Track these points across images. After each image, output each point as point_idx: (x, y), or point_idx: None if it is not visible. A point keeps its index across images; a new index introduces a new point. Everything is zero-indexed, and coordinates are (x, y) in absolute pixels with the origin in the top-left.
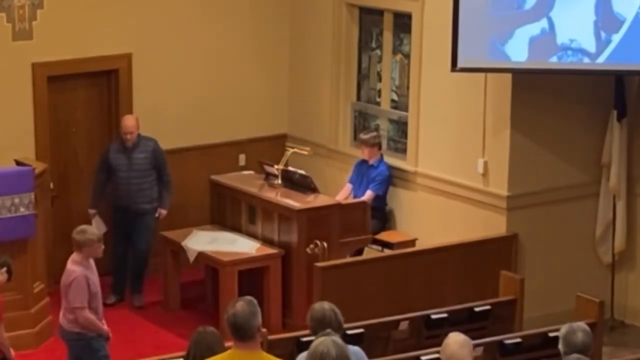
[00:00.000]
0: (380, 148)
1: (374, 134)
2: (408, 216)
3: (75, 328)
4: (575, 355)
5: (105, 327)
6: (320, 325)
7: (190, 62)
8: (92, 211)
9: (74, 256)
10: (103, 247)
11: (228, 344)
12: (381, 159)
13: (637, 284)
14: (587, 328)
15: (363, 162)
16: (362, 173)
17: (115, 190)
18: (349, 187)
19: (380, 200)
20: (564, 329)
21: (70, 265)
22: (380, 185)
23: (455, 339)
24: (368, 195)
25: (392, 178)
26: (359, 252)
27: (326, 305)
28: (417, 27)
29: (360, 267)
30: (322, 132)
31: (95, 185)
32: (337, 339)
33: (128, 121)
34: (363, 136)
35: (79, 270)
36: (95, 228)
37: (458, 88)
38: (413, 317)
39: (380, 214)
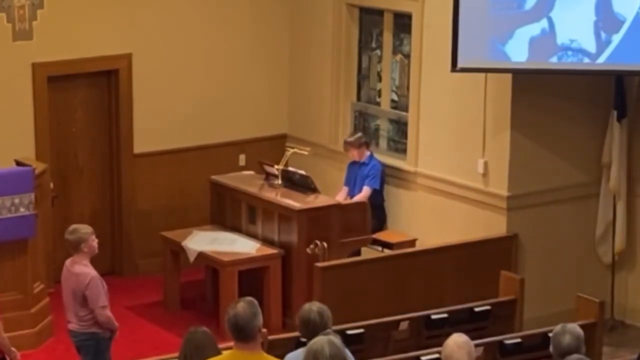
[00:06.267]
0: (368, 147)
1: (359, 134)
2: (408, 216)
3: (90, 328)
4: (576, 356)
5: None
6: (305, 328)
7: (190, 62)
8: None
9: (77, 259)
10: (97, 240)
11: (227, 344)
12: (371, 156)
13: (637, 284)
14: (579, 331)
15: (354, 162)
16: (355, 172)
17: None
18: (345, 189)
19: (377, 196)
20: (555, 328)
21: (81, 268)
22: (374, 178)
23: (455, 340)
24: (365, 191)
25: (385, 174)
26: (357, 252)
27: (314, 307)
28: (417, 27)
29: (360, 267)
30: (322, 132)
31: None
32: (334, 338)
33: None
34: (348, 139)
35: (92, 271)
36: None
37: (458, 88)
38: (413, 317)
39: (379, 212)
